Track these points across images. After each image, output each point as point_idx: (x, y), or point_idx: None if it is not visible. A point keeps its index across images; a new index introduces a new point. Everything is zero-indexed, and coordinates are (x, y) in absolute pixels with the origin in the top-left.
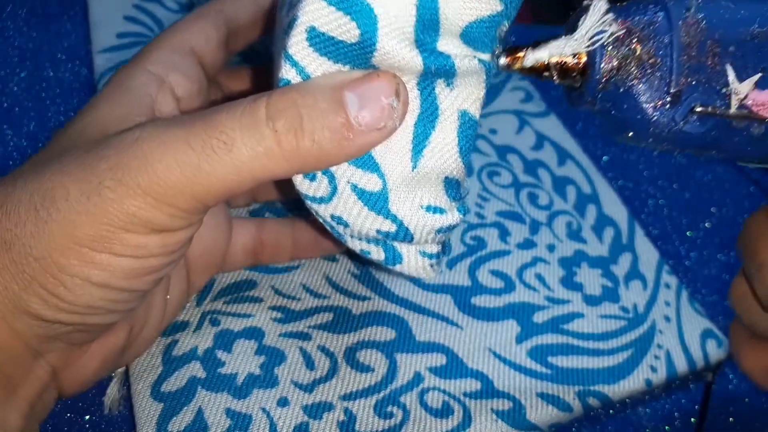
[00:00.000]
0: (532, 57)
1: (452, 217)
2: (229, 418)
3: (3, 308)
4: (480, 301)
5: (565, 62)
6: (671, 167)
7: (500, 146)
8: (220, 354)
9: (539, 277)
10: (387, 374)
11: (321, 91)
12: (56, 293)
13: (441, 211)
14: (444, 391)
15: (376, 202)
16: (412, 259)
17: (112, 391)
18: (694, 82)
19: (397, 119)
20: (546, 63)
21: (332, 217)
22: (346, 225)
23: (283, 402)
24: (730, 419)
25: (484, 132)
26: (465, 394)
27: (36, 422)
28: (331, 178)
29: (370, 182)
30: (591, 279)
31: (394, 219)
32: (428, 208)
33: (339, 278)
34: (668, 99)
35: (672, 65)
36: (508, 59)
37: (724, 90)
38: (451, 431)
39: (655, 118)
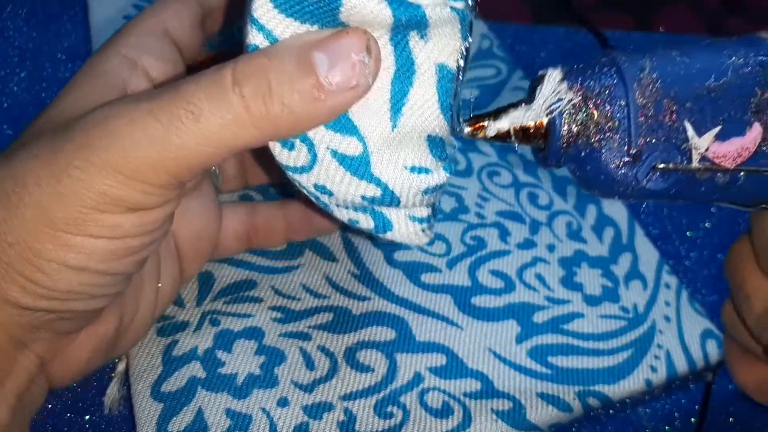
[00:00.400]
0: (494, 127)
1: (438, 176)
2: (229, 418)
3: None
4: (480, 301)
5: (527, 127)
6: None
7: (500, 146)
8: (220, 354)
9: (539, 277)
10: (387, 374)
11: (288, 53)
12: (34, 279)
13: (426, 171)
14: (444, 391)
15: (358, 166)
16: (402, 225)
17: (112, 391)
18: (653, 141)
19: (369, 76)
20: (507, 131)
21: (315, 186)
22: (330, 194)
23: (283, 402)
24: (730, 419)
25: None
26: (465, 394)
27: (25, 415)
28: (310, 146)
29: (350, 146)
30: (591, 279)
31: (378, 183)
32: (413, 169)
33: (339, 278)
34: (629, 159)
35: (630, 126)
36: (472, 129)
37: (684, 145)
38: (451, 431)
39: (618, 177)
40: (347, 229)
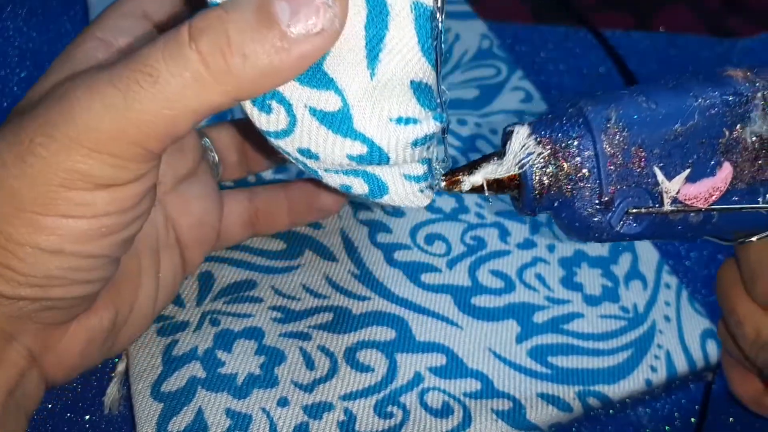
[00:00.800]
0: (468, 182)
1: (428, 126)
2: (229, 418)
3: None
4: (480, 301)
5: (501, 180)
6: None
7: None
8: (220, 354)
9: (539, 277)
10: (387, 374)
11: (247, 2)
12: (10, 265)
13: (413, 120)
14: (444, 391)
15: (340, 122)
16: (399, 186)
17: (112, 391)
18: (624, 188)
19: (336, 19)
20: (482, 184)
21: (299, 151)
22: (316, 157)
23: (283, 402)
24: (730, 419)
25: (484, 132)
26: (465, 394)
27: (20, 411)
28: (288, 106)
29: (329, 102)
30: (591, 279)
31: (363, 139)
32: (399, 120)
33: (339, 278)
34: (601, 206)
35: (600, 176)
36: (447, 184)
37: (655, 190)
38: (451, 431)
39: (593, 224)
40: (350, 203)
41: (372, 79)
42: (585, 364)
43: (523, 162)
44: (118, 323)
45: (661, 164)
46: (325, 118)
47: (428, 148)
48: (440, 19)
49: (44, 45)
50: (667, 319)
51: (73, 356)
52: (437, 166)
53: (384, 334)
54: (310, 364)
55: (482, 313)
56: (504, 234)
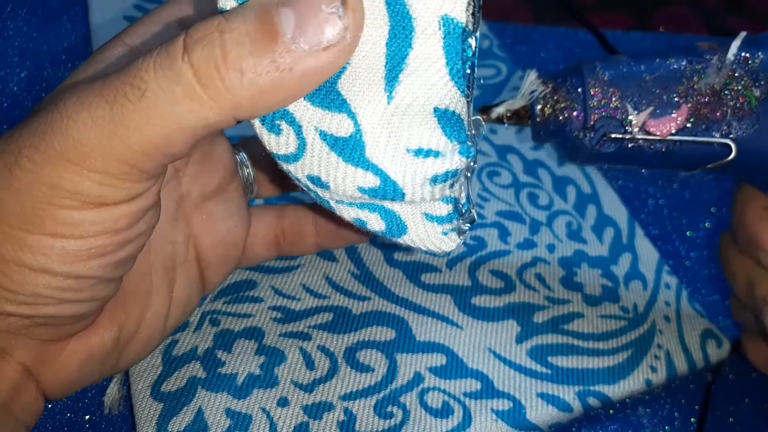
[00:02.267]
0: (495, 111)
1: (451, 161)
2: (229, 418)
3: None
4: (480, 301)
5: (518, 111)
6: None
7: (500, 146)
8: (220, 354)
9: (539, 277)
10: (387, 374)
11: (249, 10)
12: None
13: (434, 153)
14: (444, 391)
15: (352, 150)
16: (420, 227)
17: (112, 391)
18: (602, 117)
19: (347, 33)
20: (504, 114)
21: (309, 178)
22: (326, 187)
23: (283, 402)
24: (730, 419)
25: (484, 132)
26: (465, 394)
27: (18, 424)
28: (298, 128)
29: (341, 126)
30: (591, 279)
31: (376, 170)
32: (418, 152)
33: (339, 278)
34: (586, 131)
35: (585, 107)
36: (482, 115)
37: (626, 120)
38: (451, 431)
39: (578, 144)
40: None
41: (389, 103)
42: (585, 364)
43: (531, 96)
44: (122, 341)
45: (632, 101)
46: (335, 143)
47: (452, 185)
48: (474, 41)
49: (44, 45)
50: (667, 319)
51: (71, 372)
52: (463, 218)
53: (384, 334)
54: (310, 364)
55: (482, 313)
56: (504, 234)
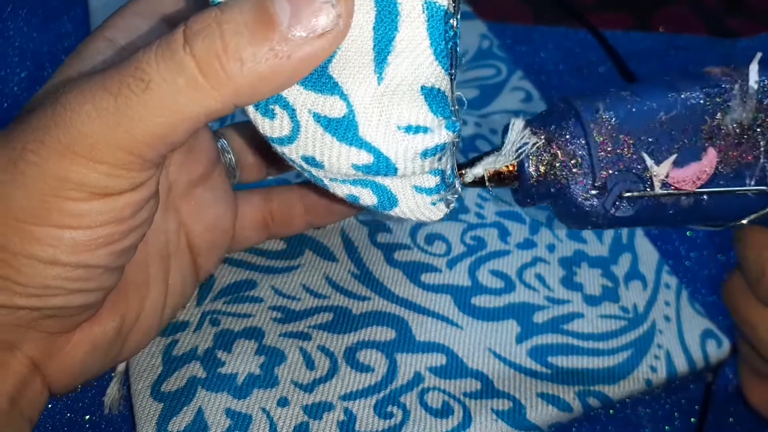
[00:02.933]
0: (471, 174)
1: (439, 135)
2: (229, 418)
3: None
4: (480, 301)
5: (500, 171)
6: None
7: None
8: (220, 354)
9: (539, 277)
10: (387, 374)
11: (245, 1)
12: (6, 275)
13: (424, 129)
14: (444, 391)
15: (345, 130)
16: (410, 199)
17: (112, 391)
18: (615, 173)
19: (340, 19)
20: (483, 176)
21: (304, 158)
22: (320, 166)
23: (283, 402)
24: (730, 419)
25: (484, 132)
26: (465, 394)
27: (24, 419)
28: (291, 112)
29: (334, 107)
30: (591, 279)
31: (369, 148)
32: (408, 129)
33: (339, 278)
34: (596, 191)
35: (592, 161)
36: (457, 178)
37: (645, 174)
38: (451, 431)
39: (588, 209)
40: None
41: (380, 84)
42: (585, 364)
43: (519, 152)
44: (124, 332)
45: (649, 150)
46: (329, 124)
47: (440, 158)
48: (455, 21)
49: (44, 45)
50: (667, 319)
51: (76, 364)
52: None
53: (384, 334)
54: (310, 364)
55: (482, 313)
56: (504, 234)
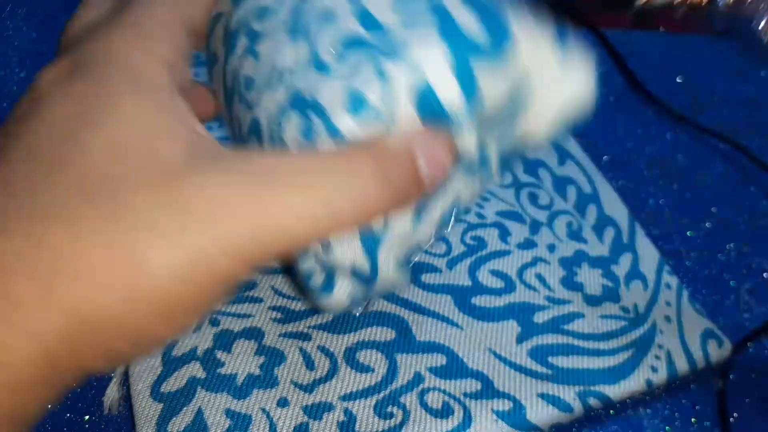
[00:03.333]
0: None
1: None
2: (229, 418)
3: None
4: (480, 301)
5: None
6: (671, 167)
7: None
8: (220, 354)
9: (539, 277)
10: (387, 374)
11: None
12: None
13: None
14: (444, 391)
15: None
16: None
17: (112, 391)
18: None
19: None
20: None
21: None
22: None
23: (282, 402)
24: (734, 414)
25: None
26: (465, 394)
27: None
28: None
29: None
30: (591, 279)
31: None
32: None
33: None
34: None
35: None
36: None
37: None
38: (451, 431)
39: None
40: None
41: None
42: (585, 364)
43: None
44: None
45: None
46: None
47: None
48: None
49: (44, 45)
50: (667, 319)
51: None
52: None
53: (384, 334)
54: (310, 364)
55: (482, 313)
56: (504, 234)
